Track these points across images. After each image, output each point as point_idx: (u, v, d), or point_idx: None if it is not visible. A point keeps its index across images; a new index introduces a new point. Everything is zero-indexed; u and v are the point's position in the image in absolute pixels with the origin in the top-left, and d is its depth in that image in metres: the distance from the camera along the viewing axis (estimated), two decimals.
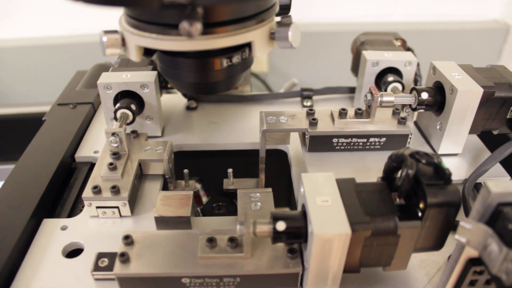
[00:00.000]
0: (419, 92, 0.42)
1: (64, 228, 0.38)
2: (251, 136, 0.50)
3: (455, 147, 0.44)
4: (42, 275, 0.34)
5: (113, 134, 0.41)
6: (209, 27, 0.30)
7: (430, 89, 0.42)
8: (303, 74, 0.98)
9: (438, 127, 0.43)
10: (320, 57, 0.97)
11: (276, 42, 0.34)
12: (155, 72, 0.46)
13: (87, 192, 0.38)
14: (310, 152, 0.42)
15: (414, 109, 0.43)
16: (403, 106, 0.45)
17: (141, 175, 0.43)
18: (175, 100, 0.57)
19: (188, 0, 0.26)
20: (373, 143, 0.42)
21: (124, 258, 0.30)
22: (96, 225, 0.39)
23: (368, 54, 0.50)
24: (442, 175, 0.28)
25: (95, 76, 0.61)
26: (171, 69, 0.37)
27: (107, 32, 0.34)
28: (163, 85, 0.53)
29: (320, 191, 0.29)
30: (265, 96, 0.58)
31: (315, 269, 0.29)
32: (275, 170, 0.46)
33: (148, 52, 0.35)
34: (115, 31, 0.34)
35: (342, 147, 0.42)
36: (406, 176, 0.28)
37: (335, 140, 0.42)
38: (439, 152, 0.44)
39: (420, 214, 0.28)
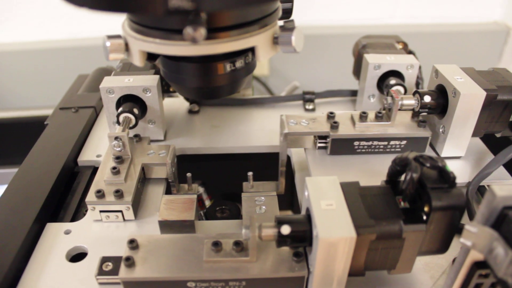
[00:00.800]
0: (421, 95, 0.42)
1: (67, 232, 0.38)
2: (254, 140, 0.50)
3: (458, 150, 0.44)
4: (46, 280, 0.34)
5: (116, 138, 0.41)
6: (213, 32, 0.30)
7: (433, 92, 0.43)
8: (304, 77, 0.98)
9: (441, 130, 0.43)
10: (321, 60, 0.97)
11: (280, 46, 0.34)
12: (157, 76, 0.46)
13: (91, 196, 0.38)
14: (332, 155, 0.43)
15: (417, 112, 0.43)
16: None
17: (144, 179, 0.43)
18: (177, 104, 0.57)
19: (192, 6, 0.26)
20: (393, 146, 0.43)
21: (130, 262, 0.30)
22: (99, 229, 0.39)
23: (370, 57, 0.50)
24: (446, 178, 0.28)
25: (97, 80, 0.61)
26: (174, 73, 0.37)
27: (110, 37, 0.34)
28: (165, 89, 0.53)
29: (324, 194, 0.29)
30: (267, 100, 0.58)
31: (320, 273, 0.29)
32: (277, 173, 0.46)
33: (151, 57, 0.35)
34: (118, 36, 0.34)
35: (363, 150, 0.43)
36: (411, 180, 0.28)
37: (356, 143, 0.42)
38: (442, 155, 0.44)
39: (424, 217, 0.28)
